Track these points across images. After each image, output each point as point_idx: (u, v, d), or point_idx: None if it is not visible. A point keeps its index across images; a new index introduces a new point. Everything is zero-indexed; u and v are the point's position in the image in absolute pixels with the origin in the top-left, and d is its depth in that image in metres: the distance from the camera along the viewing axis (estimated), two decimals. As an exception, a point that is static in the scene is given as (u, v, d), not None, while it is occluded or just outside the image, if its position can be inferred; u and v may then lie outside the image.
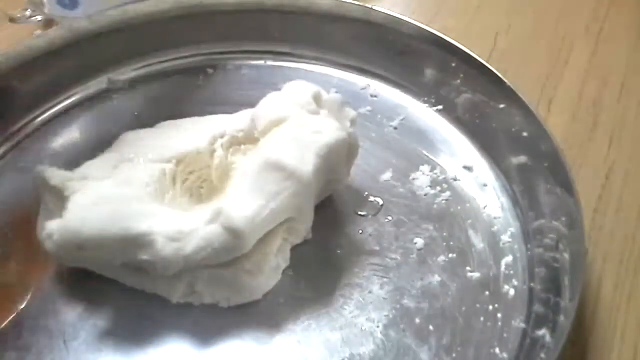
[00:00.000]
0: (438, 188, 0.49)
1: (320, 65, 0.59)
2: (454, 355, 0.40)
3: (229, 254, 0.40)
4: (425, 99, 0.56)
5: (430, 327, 0.41)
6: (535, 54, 0.62)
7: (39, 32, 0.62)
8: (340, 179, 0.47)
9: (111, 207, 0.40)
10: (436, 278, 0.44)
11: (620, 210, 0.49)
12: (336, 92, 0.55)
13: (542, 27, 0.65)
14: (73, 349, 0.40)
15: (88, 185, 0.41)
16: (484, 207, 0.48)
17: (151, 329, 0.41)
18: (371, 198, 0.48)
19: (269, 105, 0.45)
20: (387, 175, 0.50)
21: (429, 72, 0.56)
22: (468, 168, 0.51)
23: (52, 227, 0.41)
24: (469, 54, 0.53)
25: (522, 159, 0.49)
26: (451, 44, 0.54)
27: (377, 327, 0.41)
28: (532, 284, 0.43)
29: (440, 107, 0.55)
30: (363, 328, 0.41)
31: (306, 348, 0.40)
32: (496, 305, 0.42)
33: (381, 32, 0.57)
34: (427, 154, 0.52)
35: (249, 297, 0.42)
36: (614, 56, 0.62)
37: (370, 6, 0.58)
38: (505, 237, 0.46)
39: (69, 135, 0.53)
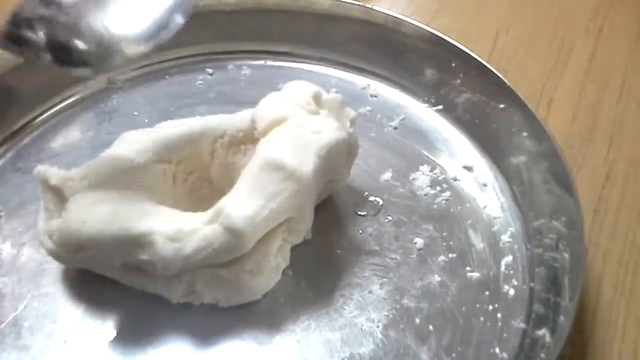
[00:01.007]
0: (438, 188, 0.49)
1: (320, 65, 0.59)
2: (454, 355, 0.40)
3: (229, 254, 0.40)
4: (425, 99, 0.56)
5: (430, 327, 0.41)
6: (535, 54, 0.62)
7: (39, 32, 0.62)
8: (340, 179, 0.47)
9: (111, 207, 0.40)
10: (436, 278, 0.44)
11: (620, 210, 0.49)
12: (336, 92, 0.55)
13: (542, 27, 0.65)
14: (73, 349, 0.40)
15: (88, 185, 0.41)
16: (484, 207, 0.48)
17: (151, 329, 0.41)
18: (371, 198, 0.48)
19: (269, 105, 0.45)
20: (387, 175, 0.50)
21: (429, 72, 0.56)
22: (468, 168, 0.51)
23: (52, 227, 0.41)
24: (469, 54, 0.53)
25: (522, 159, 0.49)
26: (451, 44, 0.54)
27: (377, 327, 0.41)
28: (532, 284, 0.43)
29: (440, 107, 0.55)
30: (363, 328, 0.41)
31: (306, 348, 0.40)
32: (496, 305, 0.42)
33: (381, 32, 0.57)
34: (427, 154, 0.52)
35: (249, 297, 0.42)
36: (614, 56, 0.62)
37: (370, 6, 0.58)
38: (505, 237, 0.46)
39: (69, 135, 0.53)
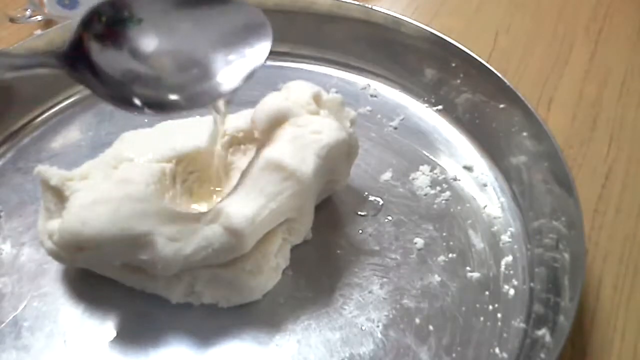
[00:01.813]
0: (438, 188, 0.49)
1: (320, 65, 0.59)
2: (454, 355, 0.40)
3: (229, 254, 0.40)
4: (425, 99, 0.56)
5: (430, 327, 0.41)
6: (535, 54, 0.62)
7: (39, 32, 0.62)
8: (340, 179, 0.47)
9: (111, 207, 0.40)
10: (436, 278, 0.44)
11: (620, 210, 0.49)
12: (336, 92, 0.55)
13: (542, 27, 0.65)
14: (73, 349, 0.40)
15: (88, 185, 0.41)
16: (484, 207, 0.48)
17: (151, 329, 0.41)
18: (371, 198, 0.48)
19: (269, 105, 0.45)
20: (387, 175, 0.50)
21: (429, 72, 0.56)
22: (468, 168, 0.51)
23: (52, 228, 0.41)
24: (469, 54, 0.53)
25: (522, 159, 0.49)
26: (451, 44, 0.54)
27: (377, 327, 0.41)
28: (532, 284, 0.43)
29: (440, 107, 0.55)
30: (363, 328, 0.41)
31: (306, 348, 0.40)
32: (496, 305, 0.42)
33: (381, 32, 0.57)
34: (427, 154, 0.52)
35: (249, 297, 0.42)
36: (614, 56, 0.62)
37: (370, 6, 0.58)
38: (505, 237, 0.46)
39: (69, 135, 0.53)
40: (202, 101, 0.39)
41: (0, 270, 0.44)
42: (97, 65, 0.37)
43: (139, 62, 0.38)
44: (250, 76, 0.39)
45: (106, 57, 0.38)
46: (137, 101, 0.38)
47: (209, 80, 0.39)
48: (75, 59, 0.37)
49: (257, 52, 0.40)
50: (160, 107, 0.39)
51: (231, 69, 0.39)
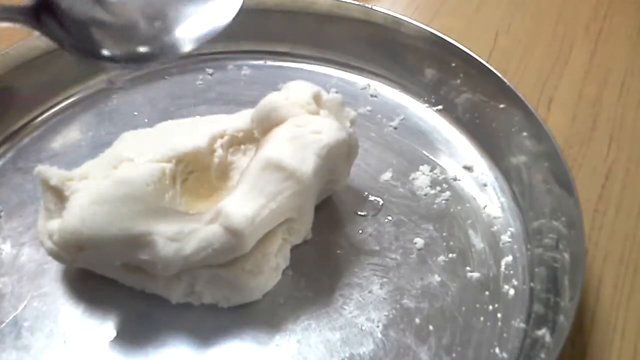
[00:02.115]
0: (438, 188, 0.49)
1: (320, 65, 0.59)
2: (454, 355, 0.40)
3: (229, 254, 0.40)
4: (425, 99, 0.56)
5: (430, 327, 0.41)
6: (535, 54, 0.62)
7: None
8: (340, 179, 0.47)
9: (111, 207, 0.40)
10: (436, 278, 0.44)
11: (620, 210, 0.49)
12: (336, 92, 0.55)
13: (542, 27, 0.65)
14: (73, 349, 0.40)
15: (88, 185, 0.41)
16: (484, 207, 0.48)
17: (151, 329, 0.41)
18: (371, 198, 0.48)
19: (269, 105, 0.45)
20: (387, 175, 0.50)
21: (429, 72, 0.56)
22: (468, 168, 0.51)
23: (52, 228, 0.41)
24: (469, 54, 0.53)
25: (522, 159, 0.49)
26: (451, 44, 0.54)
27: (377, 327, 0.41)
28: (532, 284, 0.43)
29: (440, 107, 0.55)
30: (363, 328, 0.41)
31: (306, 348, 0.40)
32: (496, 305, 0.42)
33: (381, 32, 0.57)
34: (427, 154, 0.52)
35: (249, 297, 0.42)
36: (614, 56, 0.62)
37: (370, 6, 0.58)
38: (505, 237, 0.46)
39: (69, 135, 0.53)
40: (171, 52, 0.39)
41: (0, 270, 0.44)
42: (64, 17, 0.37)
43: (107, 13, 0.38)
44: (219, 29, 0.39)
45: (73, 8, 0.37)
46: (105, 52, 0.37)
47: (178, 31, 0.39)
48: (41, 12, 0.37)
49: (229, 5, 0.39)
50: (129, 59, 0.39)
51: (201, 20, 0.39)
